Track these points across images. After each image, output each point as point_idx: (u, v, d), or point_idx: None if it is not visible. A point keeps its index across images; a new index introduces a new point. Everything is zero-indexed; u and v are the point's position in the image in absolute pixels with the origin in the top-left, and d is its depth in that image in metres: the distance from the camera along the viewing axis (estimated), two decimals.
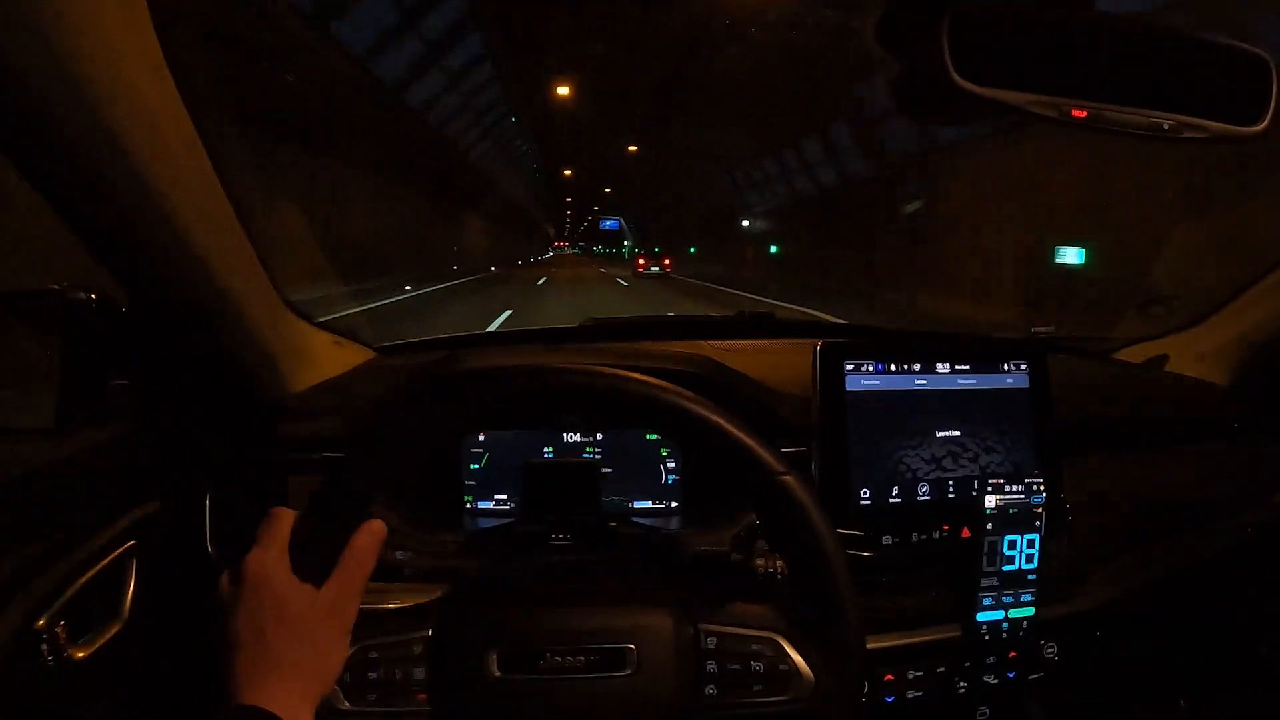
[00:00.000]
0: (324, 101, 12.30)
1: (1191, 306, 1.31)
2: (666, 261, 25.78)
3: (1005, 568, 0.83)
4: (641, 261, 25.62)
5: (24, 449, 0.67)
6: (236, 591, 0.52)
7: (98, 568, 0.66)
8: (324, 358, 0.94)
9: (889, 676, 0.85)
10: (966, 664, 0.88)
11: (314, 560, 0.53)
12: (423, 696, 0.57)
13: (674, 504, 0.94)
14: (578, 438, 0.94)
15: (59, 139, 0.53)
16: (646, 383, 0.60)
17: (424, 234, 21.67)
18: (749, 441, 0.59)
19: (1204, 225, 6.54)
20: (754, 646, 0.59)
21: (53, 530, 0.65)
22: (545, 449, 0.94)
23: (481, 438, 0.93)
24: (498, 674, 0.57)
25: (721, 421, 0.59)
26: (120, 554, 0.69)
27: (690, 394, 0.60)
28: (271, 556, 0.52)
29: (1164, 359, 1.28)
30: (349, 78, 12.85)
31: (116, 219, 0.61)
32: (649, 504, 0.94)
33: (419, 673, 0.57)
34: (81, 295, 0.69)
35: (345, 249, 13.75)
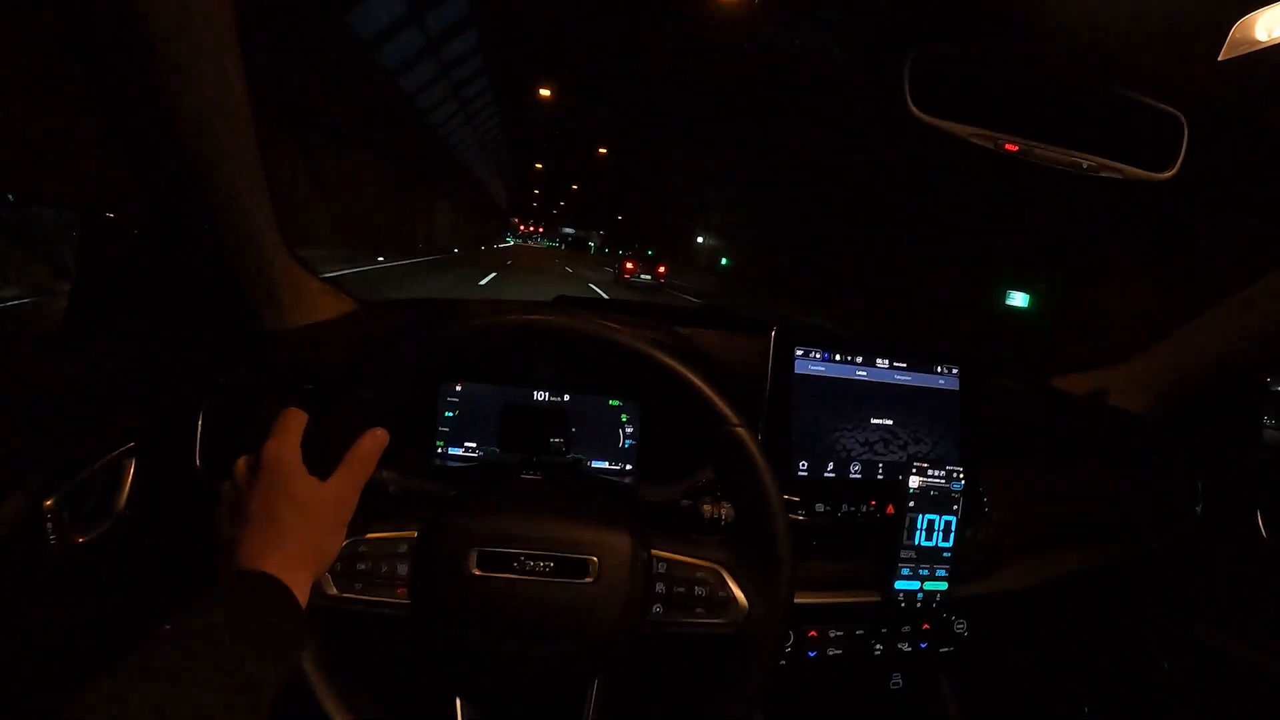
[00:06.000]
0: None
1: (1125, 341, 1.42)
2: (660, 268, 22.86)
3: (923, 543, 0.93)
4: (630, 265, 22.72)
5: (36, 354, 0.73)
6: (253, 474, 0.58)
7: (100, 463, 0.72)
8: (315, 302, 1.00)
9: (813, 633, 0.95)
10: (883, 629, 0.98)
11: (322, 456, 0.61)
12: (402, 590, 0.64)
13: (629, 465, 1.02)
14: (546, 397, 1.01)
15: (141, 74, 0.61)
16: (627, 333, 0.68)
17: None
18: (711, 394, 0.68)
19: None
20: (698, 574, 0.68)
21: (59, 428, 0.71)
22: (516, 403, 1.01)
23: (458, 388, 1.00)
24: (476, 572, 0.64)
25: (689, 374, 0.68)
26: (120, 453, 0.75)
27: (661, 350, 0.69)
28: (286, 447, 0.59)
29: (1089, 384, 1.40)
30: None
31: (175, 150, 0.68)
32: (606, 464, 1.02)
33: (402, 568, 0.65)
34: (100, 212, 0.75)
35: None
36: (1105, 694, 1.36)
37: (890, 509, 0.95)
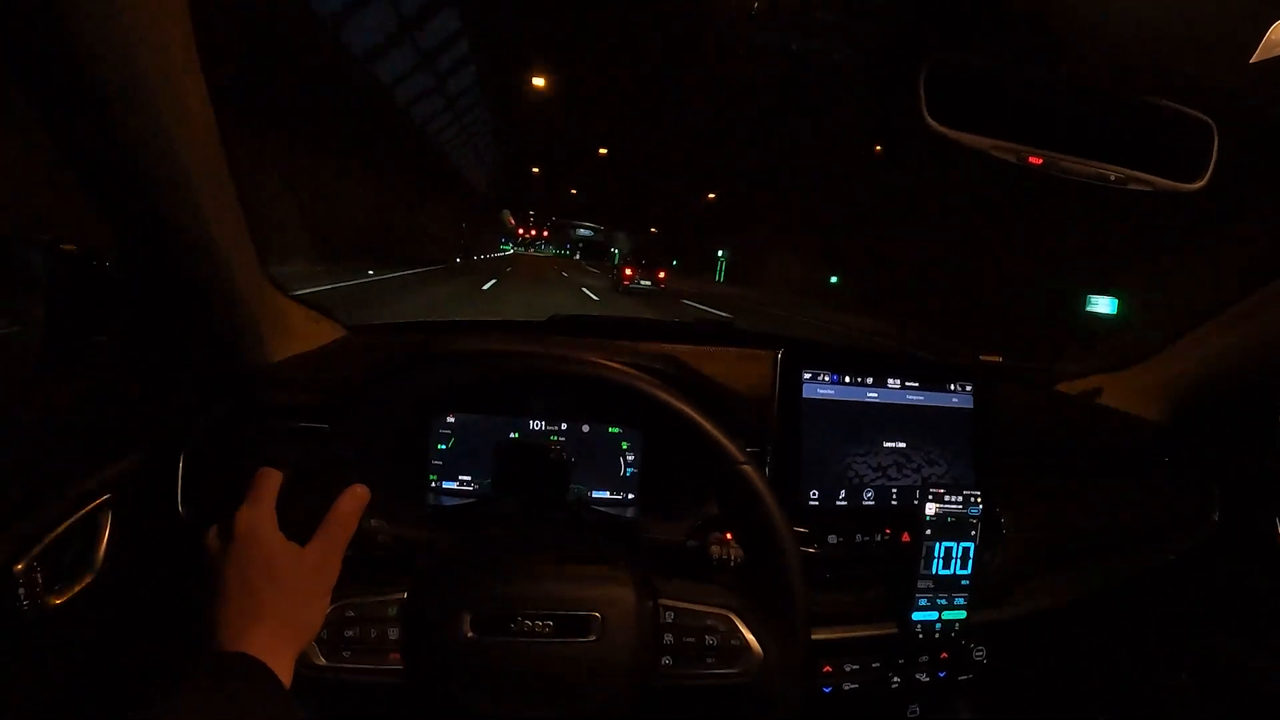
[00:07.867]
0: None
1: (1132, 347, 1.39)
2: (661, 274, 22.45)
3: (940, 571, 0.89)
4: (629, 271, 22.23)
5: (5, 398, 0.68)
6: (225, 545, 0.54)
7: (74, 518, 0.67)
8: (299, 331, 0.95)
9: (827, 668, 0.91)
10: (900, 660, 0.94)
11: (300, 519, 0.56)
12: (395, 656, 0.60)
13: (630, 495, 0.98)
14: (543, 425, 0.97)
15: (94, 99, 0.55)
16: (625, 371, 0.65)
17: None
18: (714, 431, 0.65)
19: None
20: (709, 622, 0.64)
21: (31, 478, 0.66)
22: (511, 435, 0.96)
23: (451, 420, 0.95)
24: (470, 635, 0.60)
25: (690, 411, 0.64)
26: (96, 506, 0.70)
27: (662, 384, 0.65)
28: (260, 514, 0.55)
29: (1099, 391, 1.36)
30: None
31: (129, 173, 0.62)
32: (606, 494, 0.97)
33: (393, 632, 0.60)
34: (68, 248, 0.70)
35: None
36: (1125, 709, 1.33)
37: (906, 537, 0.91)
